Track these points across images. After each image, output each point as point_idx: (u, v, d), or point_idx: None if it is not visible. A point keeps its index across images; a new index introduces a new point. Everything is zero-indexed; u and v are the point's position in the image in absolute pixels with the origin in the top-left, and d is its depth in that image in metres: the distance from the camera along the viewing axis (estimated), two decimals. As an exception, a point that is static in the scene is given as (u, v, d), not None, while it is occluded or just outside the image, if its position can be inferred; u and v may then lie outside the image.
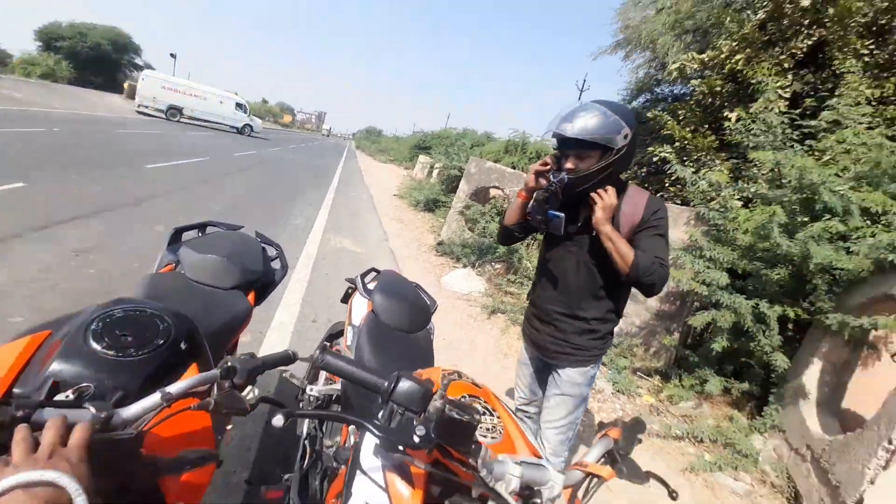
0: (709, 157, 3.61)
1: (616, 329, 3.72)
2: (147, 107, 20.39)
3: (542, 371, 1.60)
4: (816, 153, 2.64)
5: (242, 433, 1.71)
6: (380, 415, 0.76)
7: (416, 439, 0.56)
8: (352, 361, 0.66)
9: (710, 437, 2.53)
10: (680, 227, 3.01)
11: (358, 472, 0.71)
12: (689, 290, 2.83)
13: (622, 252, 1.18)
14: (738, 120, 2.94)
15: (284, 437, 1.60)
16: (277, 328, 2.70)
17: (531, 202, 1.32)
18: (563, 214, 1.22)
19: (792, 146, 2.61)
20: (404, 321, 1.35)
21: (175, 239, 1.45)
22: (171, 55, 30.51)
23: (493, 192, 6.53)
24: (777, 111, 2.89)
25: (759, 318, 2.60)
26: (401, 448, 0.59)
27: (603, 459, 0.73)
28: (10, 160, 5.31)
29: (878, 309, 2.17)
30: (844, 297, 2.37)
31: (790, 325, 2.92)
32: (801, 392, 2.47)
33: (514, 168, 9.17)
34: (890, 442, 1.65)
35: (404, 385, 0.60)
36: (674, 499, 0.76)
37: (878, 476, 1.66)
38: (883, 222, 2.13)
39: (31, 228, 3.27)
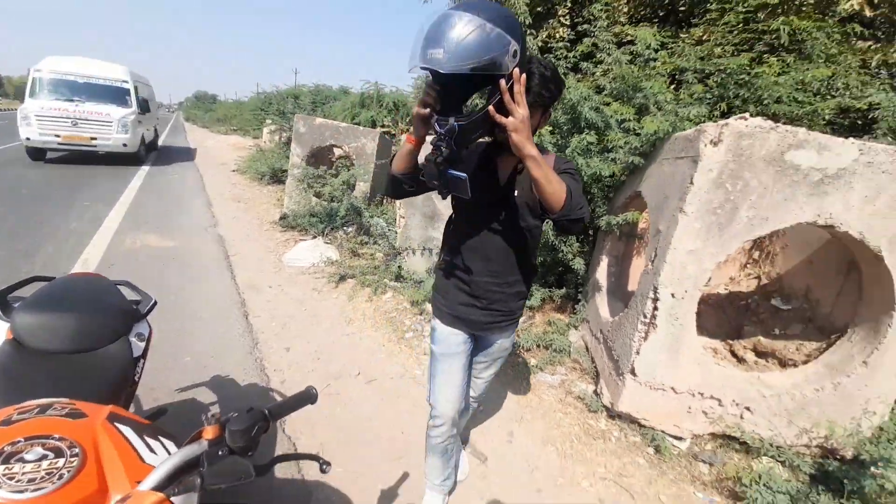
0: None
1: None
2: None
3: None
4: (586, 79, 2.93)
5: None
6: None
7: None
8: None
9: (536, 343, 2.84)
10: None
11: None
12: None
13: (553, 181, 0.96)
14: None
15: None
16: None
17: (425, 162, 1.01)
18: (464, 175, 0.97)
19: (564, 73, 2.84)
20: (71, 339, 0.99)
21: None
22: None
23: (336, 151, 6.02)
24: (560, 36, 3.07)
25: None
26: None
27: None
28: None
29: (633, 205, 2.58)
30: (614, 200, 2.76)
31: (591, 233, 3.39)
32: (596, 286, 2.89)
33: (375, 125, 8.65)
34: (644, 315, 1.99)
35: None
36: (324, 471, 0.68)
37: (641, 346, 2.01)
38: (631, 130, 2.46)
39: None
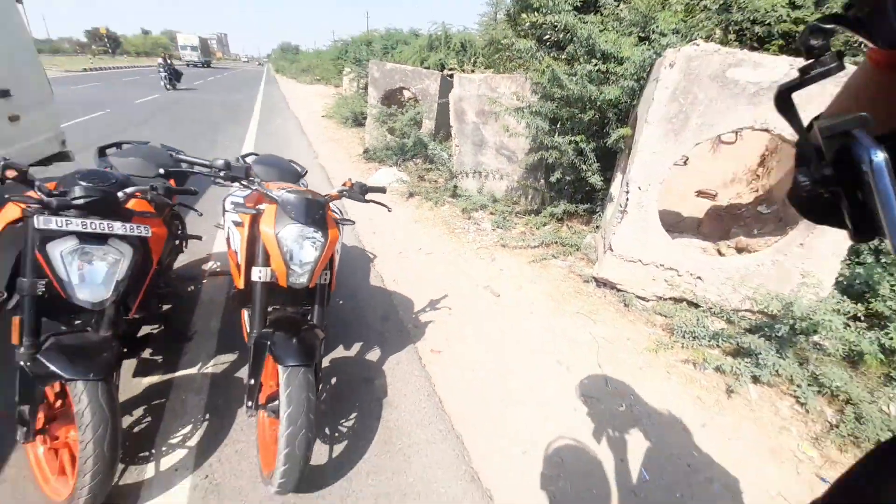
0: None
1: (504, 186, 4.65)
2: None
3: None
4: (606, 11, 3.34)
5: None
6: None
7: None
8: None
9: (553, 241, 3.65)
10: (508, 89, 3.78)
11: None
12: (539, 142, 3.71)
13: None
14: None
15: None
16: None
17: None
18: None
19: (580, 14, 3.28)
20: (278, 177, 2.10)
21: (102, 154, 2.05)
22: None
23: (406, 93, 6.90)
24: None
25: (580, 152, 3.55)
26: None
27: (344, 193, 1.59)
28: None
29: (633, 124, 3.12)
30: (629, 122, 3.31)
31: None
32: (608, 197, 3.54)
33: (443, 67, 9.24)
34: (620, 205, 2.70)
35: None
36: (389, 210, 1.67)
37: (617, 228, 2.75)
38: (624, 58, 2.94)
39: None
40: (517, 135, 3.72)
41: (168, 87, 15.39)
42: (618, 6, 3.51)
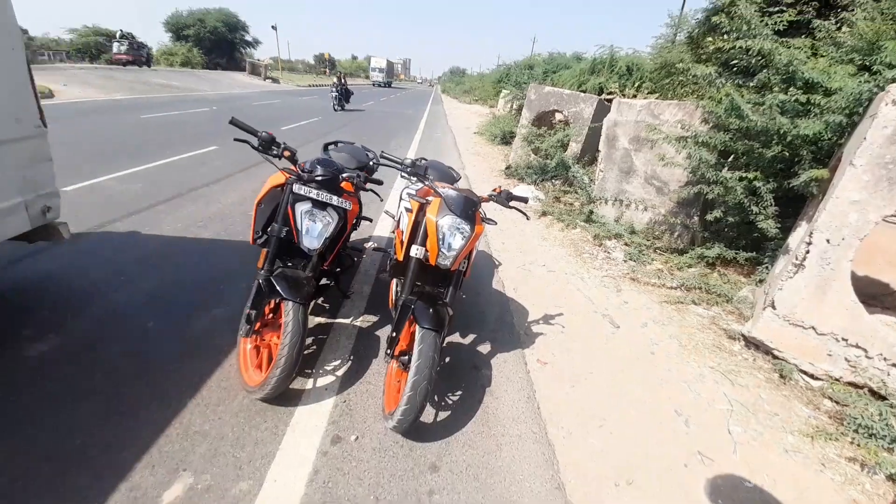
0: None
1: (646, 218, 4.36)
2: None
3: None
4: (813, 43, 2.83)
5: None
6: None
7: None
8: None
9: (698, 286, 3.25)
10: (674, 117, 3.48)
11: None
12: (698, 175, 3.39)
13: None
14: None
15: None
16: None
17: None
18: None
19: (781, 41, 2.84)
20: (441, 178, 2.50)
21: (325, 148, 2.79)
22: (273, 27, 34.03)
23: (557, 115, 7.01)
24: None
25: (753, 192, 3.09)
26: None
27: (493, 197, 1.83)
28: (200, 132, 7.73)
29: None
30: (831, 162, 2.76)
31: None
32: (784, 248, 2.99)
33: (602, 92, 9.08)
34: (796, 258, 2.31)
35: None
36: (528, 218, 1.84)
37: (785, 283, 2.35)
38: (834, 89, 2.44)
39: (238, 170, 5.25)
40: (674, 164, 3.47)
41: (336, 107, 14.44)
42: (838, 29, 2.98)
